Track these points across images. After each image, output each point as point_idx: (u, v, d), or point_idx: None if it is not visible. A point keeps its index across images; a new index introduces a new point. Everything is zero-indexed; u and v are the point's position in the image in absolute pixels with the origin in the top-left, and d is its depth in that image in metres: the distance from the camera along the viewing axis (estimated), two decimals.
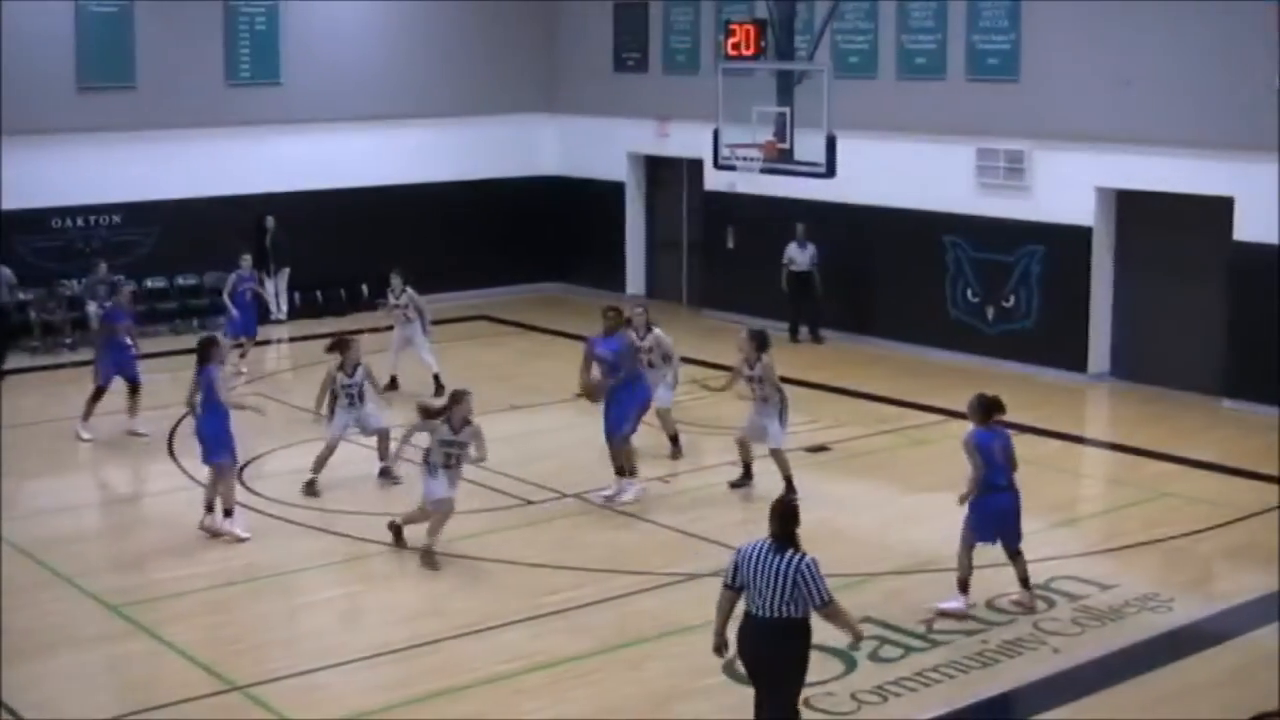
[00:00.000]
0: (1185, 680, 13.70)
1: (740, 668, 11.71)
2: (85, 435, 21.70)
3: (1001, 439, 15.11)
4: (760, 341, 18.72)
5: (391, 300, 24.33)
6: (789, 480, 18.54)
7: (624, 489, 18.77)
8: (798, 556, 11.11)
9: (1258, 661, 14.07)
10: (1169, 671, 13.87)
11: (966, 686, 13.46)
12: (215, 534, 17.42)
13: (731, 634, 11.36)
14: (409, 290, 24.18)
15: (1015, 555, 15.19)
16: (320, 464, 19.26)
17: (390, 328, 24.61)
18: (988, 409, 15.09)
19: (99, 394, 21.90)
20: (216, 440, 17.54)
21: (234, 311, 25.79)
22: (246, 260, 26.42)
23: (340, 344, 19.53)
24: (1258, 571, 16.43)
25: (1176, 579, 16.16)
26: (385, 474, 19.65)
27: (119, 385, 22.00)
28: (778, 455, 18.76)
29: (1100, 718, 13.05)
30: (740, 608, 11.33)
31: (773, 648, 11.19)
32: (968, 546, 15.03)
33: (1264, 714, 12.44)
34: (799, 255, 28.01)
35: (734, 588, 11.26)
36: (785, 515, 11.29)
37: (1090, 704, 13.27)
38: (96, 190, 28.51)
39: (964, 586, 15.04)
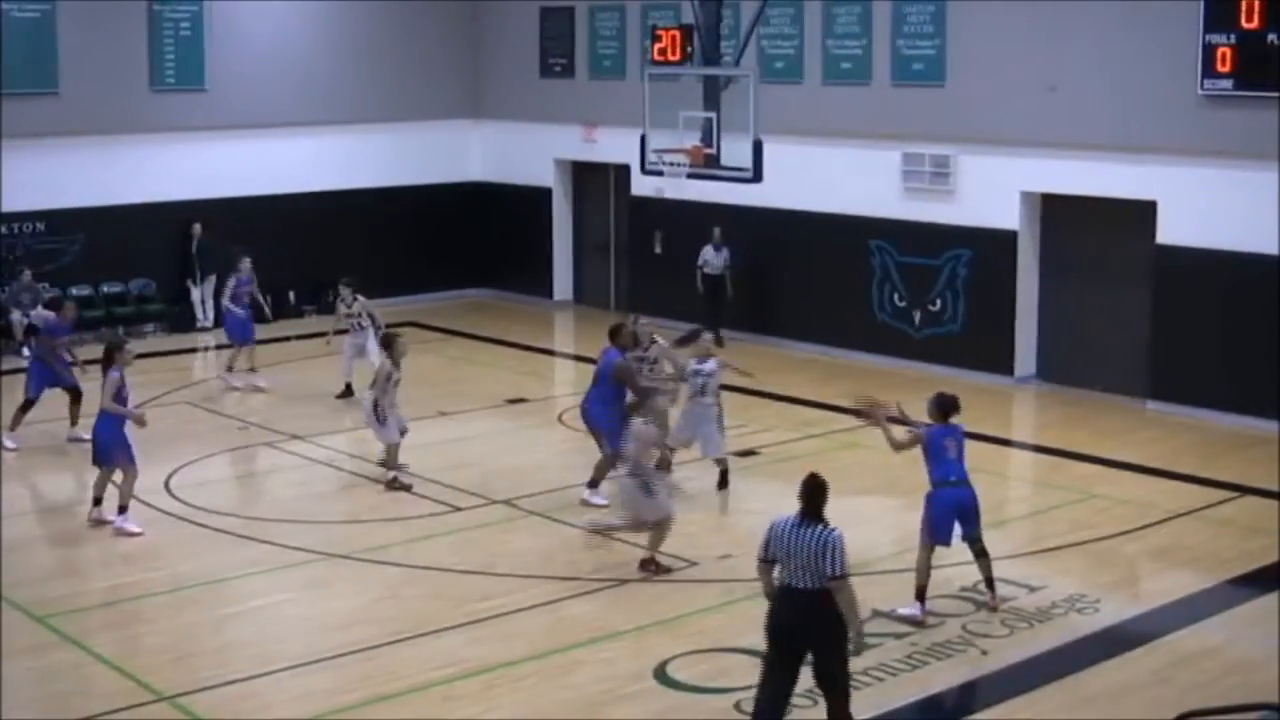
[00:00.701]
0: (1112, 680, 13.80)
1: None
2: (10, 445, 21.54)
3: (955, 436, 15.25)
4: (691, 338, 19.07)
5: (343, 309, 24.24)
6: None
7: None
8: (825, 529, 11.57)
9: (1183, 661, 14.20)
10: (1096, 672, 13.96)
11: (896, 689, 13.52)
12: (101, 523, 17.80)
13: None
14: (360, 299, 24.12)
15: (980, 555, 15.32)
16: (393, 462, 19.69)
17: (321, 334, 24.55)
18: (945, 408, 15.30)
19: (29, 405, 21.74)
20: (107, 445, 17.73)
21: (238, 312, 25.28)
22: (246, 263, 25.72)
23: (389, 340, 19.97)
24: (1183, 572, 16.60)
25: (1103, 580, 16.28)
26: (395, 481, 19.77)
27: (50, 395, 21.81)
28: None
29: (1028, 718, 13.13)
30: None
31: (810, 616, 11.56)
32: (926, 549, 15.12)
33: (1189, 713, 12.52)
34: (713, 258, 28.23)
35: (768, 560, 11.82)
36: (813, 491, 11.78)
37: (1018, 705, 13.35)
38: (19, 197, 28.20)
39: (920, 594, 15.08)
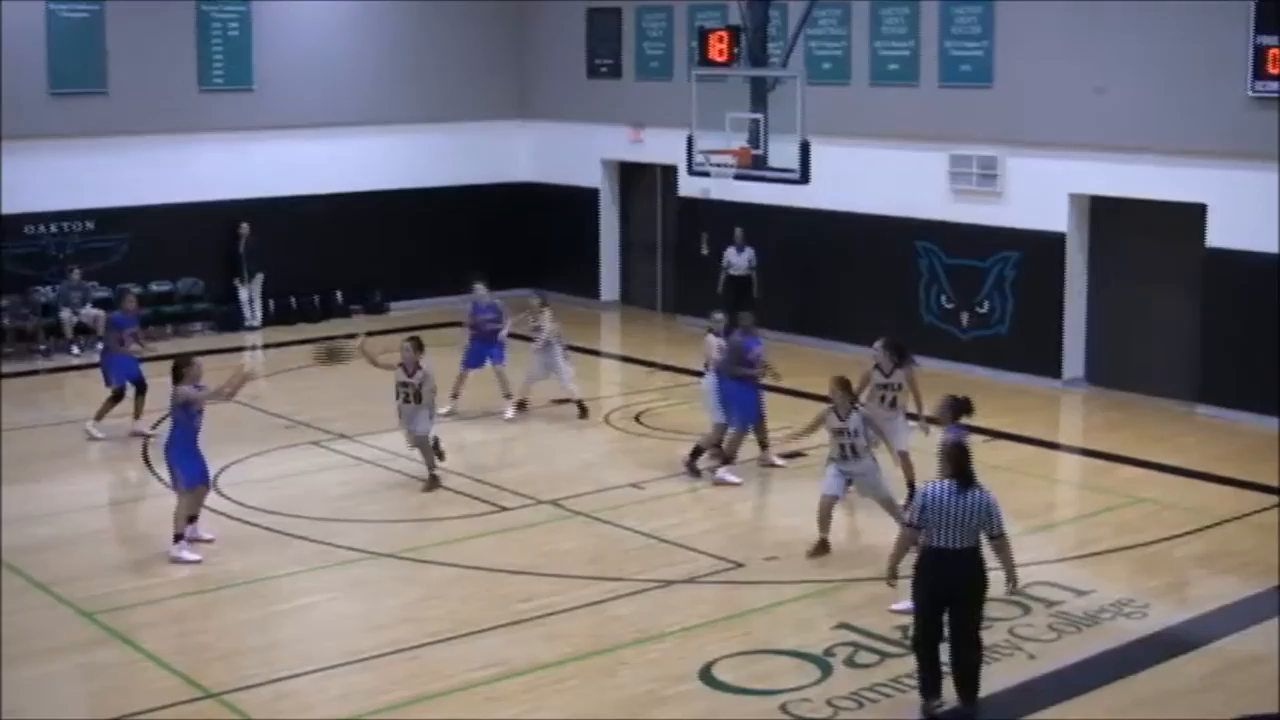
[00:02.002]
0: (1160, 685, 13.72)
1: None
2: (97, 434, 22.06)
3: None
4: (899, 353, 18.97)
5: (533, 321, 23.22)
6: (912, 485, 18.63)
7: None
8: (982, 493, 12.66)
9: (1232, 666, 14.11)
10: (1144, 677, 13.88)
11: (943, 692, 13.44)
12: (196, 540, 17.35)
13: None
14: (547, 310, 23.14)
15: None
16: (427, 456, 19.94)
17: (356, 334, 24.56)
18: (956, 410, 15.79)
19: (117, 397, 22.16)
20: (170, 466, 17.40)
21: (494, 326, 23.62)
22: (480, 288, 23.92)
23: (409, 343, 19.90)
24: (1231, 577, 16.49)
25: (1151, 584, 16.19)
26: (433, 481, 19.57)
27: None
28: (904, 458, 18.88)
29: None
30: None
31: (966, 573, 12.68)
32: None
33: (1245, 718, 12.49)
34: (736, 259, 28.26)
35: (918, 526, 12.77)
36: (961, 457, 12.80)
37: (1066, 709, 13.29)
38: (69, 196, 28.44)
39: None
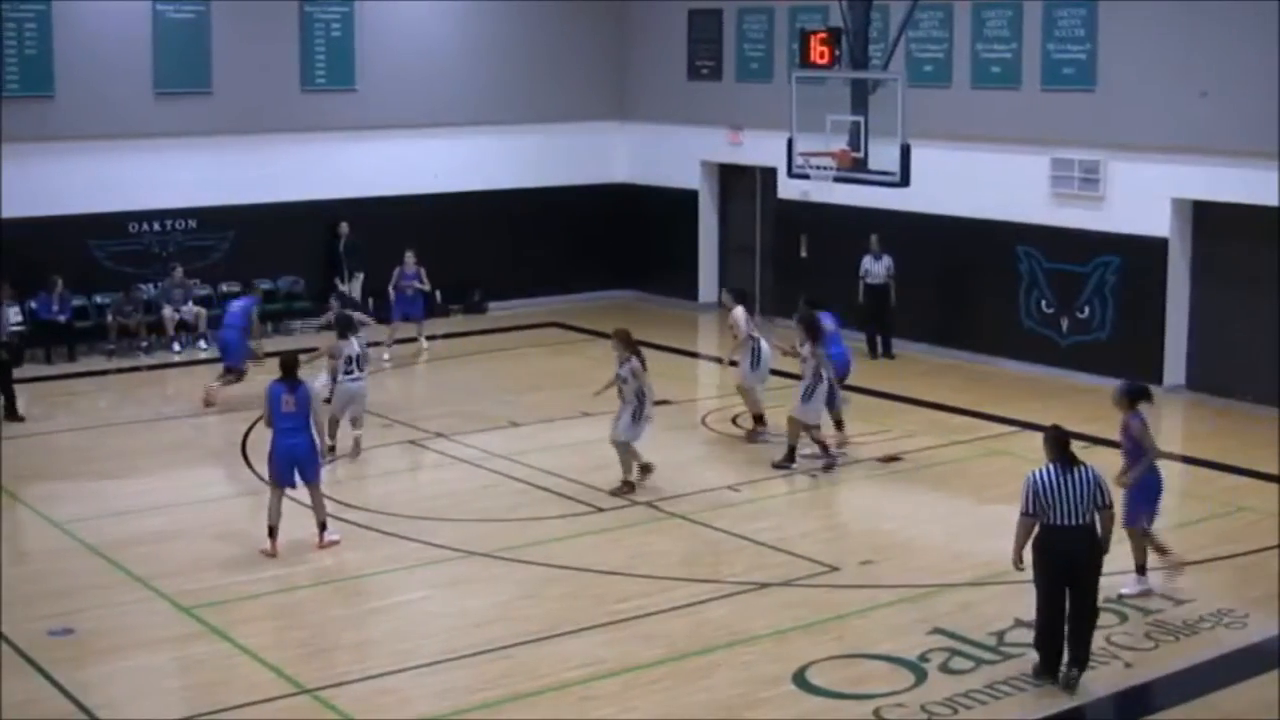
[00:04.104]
0: (1259, 697, 13.55)
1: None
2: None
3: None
4: (808, 328, 20.40)
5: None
6: (823, 445, 20.30)
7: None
8: (1087, 469, 13.43)
9: None
10: (1243, 688, 13.73)
11: (1038, 699, 13.37)
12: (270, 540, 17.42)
13: None
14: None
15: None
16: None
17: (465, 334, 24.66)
18: (1133, 397, 16.16)
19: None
20: (312, 459, 17.40)
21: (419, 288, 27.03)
22: (409, 256, 27.37)
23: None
24: None
25: (1251, 594, 15.98)
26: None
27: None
28: (792, 423, 20.42)
29: None
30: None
31: (1086, 546, 13.37)
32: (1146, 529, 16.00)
33: None
34: (874, 267, 27.49)
35: (1032, 514, 13.40)
36: (1063, 440, 13.58)
37: (1163, 719, 13.16)
38: (172, 195, 28.74)
39: (1146, 568, 16.03)
